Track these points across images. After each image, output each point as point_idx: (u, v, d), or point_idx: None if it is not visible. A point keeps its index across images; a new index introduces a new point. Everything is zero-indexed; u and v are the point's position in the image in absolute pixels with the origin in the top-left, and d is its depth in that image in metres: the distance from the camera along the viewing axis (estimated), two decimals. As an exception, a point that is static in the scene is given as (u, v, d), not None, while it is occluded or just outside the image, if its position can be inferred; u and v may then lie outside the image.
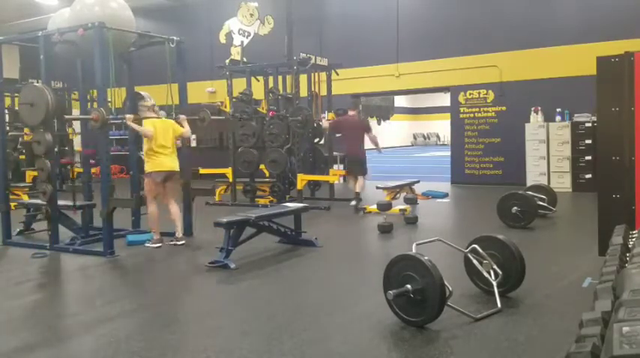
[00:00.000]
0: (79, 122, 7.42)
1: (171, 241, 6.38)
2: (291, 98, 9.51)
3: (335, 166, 10.74)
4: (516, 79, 11.57)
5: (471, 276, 4.24)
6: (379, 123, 30.93)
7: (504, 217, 7.02)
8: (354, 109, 9.64)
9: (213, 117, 7.28)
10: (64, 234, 6.61)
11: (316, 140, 10.19)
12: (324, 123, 9.61)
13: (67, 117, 5.86)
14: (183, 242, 6.34)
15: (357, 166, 9.21)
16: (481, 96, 12.02)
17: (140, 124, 6.24)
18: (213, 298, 4.50)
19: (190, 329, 3.70)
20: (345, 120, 9.38)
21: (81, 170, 6.93)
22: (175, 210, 6.50)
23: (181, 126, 6.54)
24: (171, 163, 6.37)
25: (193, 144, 13.51)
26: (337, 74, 10.26)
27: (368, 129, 9.34)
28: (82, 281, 5.23)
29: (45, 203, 6.24)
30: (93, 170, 6.87)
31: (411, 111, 37.91)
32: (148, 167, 6.30)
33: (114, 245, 5.99)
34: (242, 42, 13.87)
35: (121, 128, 7.01)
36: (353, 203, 8.90)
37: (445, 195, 10.35)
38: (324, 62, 10.07)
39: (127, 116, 6.20)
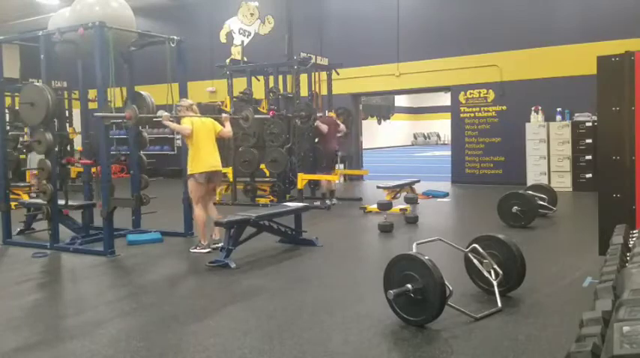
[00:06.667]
0: (79, 121, 7.41)
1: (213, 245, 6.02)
2: (291, 97, 9.51)
3: (335, 166, 10.74)
4: (517, 78, 11.56)
5: (471, 276, 4.24)
6: (379, 123, 30.97)
7: (505, 217, 7.02)
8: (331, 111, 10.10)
9: (256, 116, 7.16)
10: (65, 233, 6.62)
11: (316, 140, 10.19)
12: (321, 125, 9.40)
13: (96, 114, 5.72)
14: (220, 245, 5.72)
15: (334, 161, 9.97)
16: (481, 95, 12.01)
17: (178, 123, 6.00)
18: (213, 298, 4.49)
19: (190, 329, 3.70)
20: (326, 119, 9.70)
21: (81, 169, 6.92)
22: (214, 213, 6.16)
23: (223, 125, 6.29)
24: (214, 161, 6.08)
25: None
26: (337, 74, 10.25)
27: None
28: (82, 280, 5.23)
29: (45, 202, 6.24)
30: (93, 169, 6.86)
31: (411, 110, 37.96)
32: (191, 168, 5.99)
33: (114, 244, 6.00)
34: (242, 41, 13.86)
35: (154, 126, 6.86)
36: (332, 202, 9.23)
37: (445, 195, 10.35)
38: (325, 62, 10.08)
39: (164, 114, 5.93)
